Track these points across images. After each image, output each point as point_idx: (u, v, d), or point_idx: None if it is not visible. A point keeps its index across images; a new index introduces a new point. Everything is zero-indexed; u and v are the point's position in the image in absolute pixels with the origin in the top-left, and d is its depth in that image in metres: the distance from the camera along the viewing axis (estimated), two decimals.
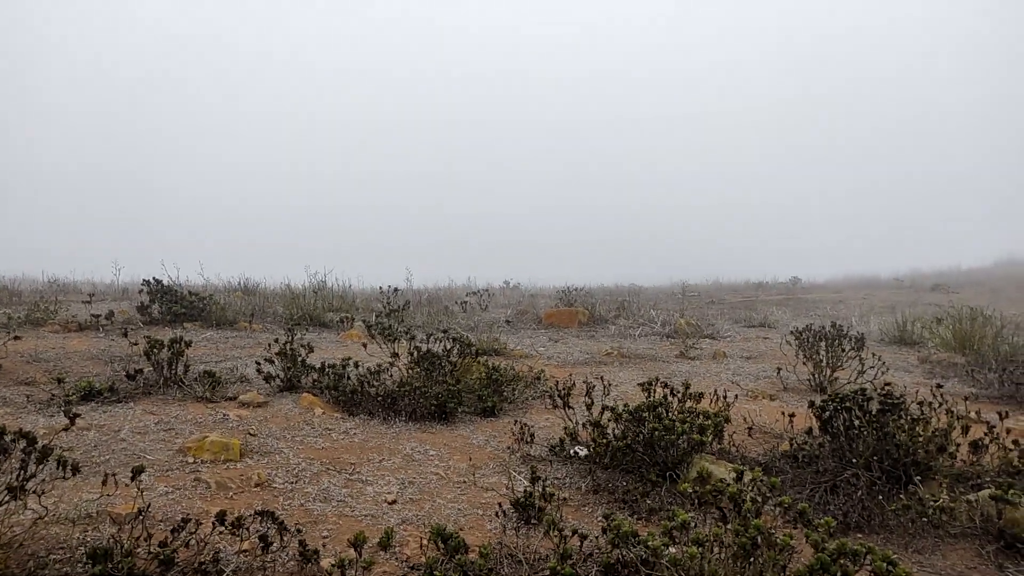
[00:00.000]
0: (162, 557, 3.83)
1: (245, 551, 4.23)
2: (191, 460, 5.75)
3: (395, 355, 8.22)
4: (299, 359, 8.40)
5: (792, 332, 10.78)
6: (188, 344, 8.16)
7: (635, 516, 5.06)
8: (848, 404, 6.00)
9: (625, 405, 6.45)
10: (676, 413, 6.26)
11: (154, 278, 13.53)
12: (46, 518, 4.47)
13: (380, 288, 18.76)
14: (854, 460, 5.60)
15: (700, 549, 3.61)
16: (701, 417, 6.17)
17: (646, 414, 6.09)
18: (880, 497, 5.22)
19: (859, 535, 4.94)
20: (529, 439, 6.58)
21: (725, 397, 7.49)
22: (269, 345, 9.33)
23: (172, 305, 12.84)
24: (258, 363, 8.69)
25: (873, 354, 10.54)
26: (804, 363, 10.15)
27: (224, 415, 6.92)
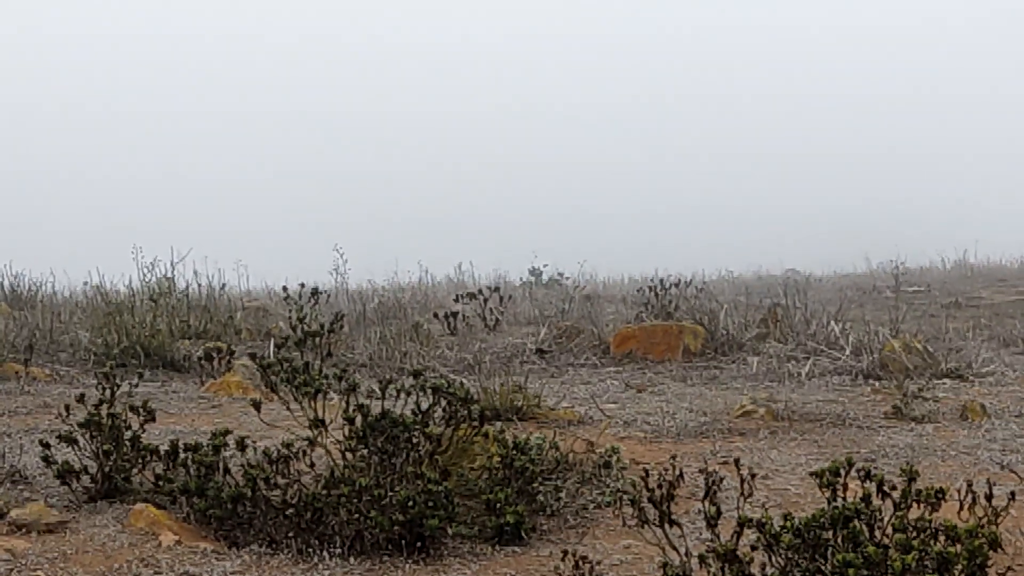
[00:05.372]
0: None
1: None
2: None
3: (318, 424, 5.78)
4: (127, 435, 5.99)
5: None
6: None
7: None
8: None
9: (787, 517, 4.41)
10: (891, 531, 4.50)
11: None
12: None
13: (283, 289, 13.14)
14: None
15: None
16: (942, 540, 4.40)
17: (829, 534, 4.48)
18: None
19: None
20: None
21: (988, 498, 5.17)
22: (67, 409, 6.59)
23: None
24: (46, 444, 6.19)
25: None
26: None
27: None
